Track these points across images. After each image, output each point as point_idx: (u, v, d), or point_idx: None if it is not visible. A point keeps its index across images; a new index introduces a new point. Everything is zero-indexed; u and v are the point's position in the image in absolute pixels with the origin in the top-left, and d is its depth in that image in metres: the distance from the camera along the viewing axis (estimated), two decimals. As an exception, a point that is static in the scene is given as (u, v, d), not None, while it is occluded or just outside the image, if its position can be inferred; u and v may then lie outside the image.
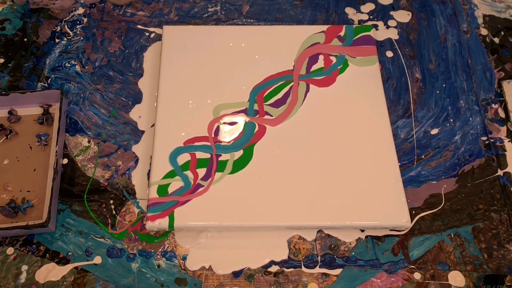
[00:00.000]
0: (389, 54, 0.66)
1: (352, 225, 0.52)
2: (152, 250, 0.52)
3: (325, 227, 0.53)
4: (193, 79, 0.59)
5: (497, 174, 0.57)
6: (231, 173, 0.53)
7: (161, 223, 0.50)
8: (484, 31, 0.68)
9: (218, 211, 0.51)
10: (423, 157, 0.58)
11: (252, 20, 0.68)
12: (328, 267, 0.52)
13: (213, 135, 0.56)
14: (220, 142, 0.55)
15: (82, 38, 0.66)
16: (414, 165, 0.58)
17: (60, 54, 0.65)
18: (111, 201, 0.55)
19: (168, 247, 0.52)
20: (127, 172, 0.57)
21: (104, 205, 0.55)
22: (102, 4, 0.69)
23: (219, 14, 0.68)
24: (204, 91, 0.58)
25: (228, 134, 0.56)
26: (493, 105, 0.62)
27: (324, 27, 0.64)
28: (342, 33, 0.63)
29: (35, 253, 0.52)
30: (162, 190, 0.52)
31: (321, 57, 0.62)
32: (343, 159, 0.54)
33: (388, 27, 0.68)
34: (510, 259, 0.52)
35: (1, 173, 0.55)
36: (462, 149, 0.59)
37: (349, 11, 0.69)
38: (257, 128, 0.56)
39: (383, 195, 0.52)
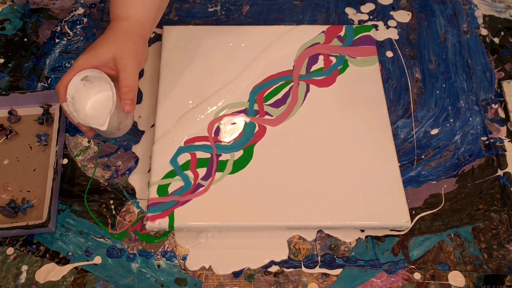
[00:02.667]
0: (389, 54, 0.65)
1: (352, 225, 0.52)
2: (152, 250, 0.52)
3: (325, 227, 0.53)
4: (193, 79, 0.59)
5: (497, 174, 0.57)
6: (231, 173, 0.53)
7: (161, 223, 0.50)
8: (484, 31, 0.68)
9: (218, 211, 0.51)
10: (423, 157, 0.58)
11: (252, 20, 0.68)
12: (328, 267, 0.52)
13: (213, 135, 0.56)
14: (220, 142, 0.55)
15: (82, 38, 0.66)
16: (414, 165, 0.58)
17: (60, 54, 0.65)
18: (111, 201, 0.55)
19: (168, 247, 0.52)
20: (127, 172, 0.56)
21: (104, 205, 0.54)
22: (102, 4, 0.69)
23: (219, 14, 0.68)
24: (204, 91, 0.58)
25: (228, 134, 0.56)
26: (493, 105, 0.62)
27: (324, 27, 0.64)
28: (342, 33, 0.63)
29: (35, 253, 0.52)
30: (162, 190, 0.52)
31: (321, 57, 0.62)
32: (343, 159, 0.54)
33: (388, 27, 0.68)
34: (510, 259, 0.52)
35: (1, 173, 0.55)
36: (462, 149, 0.59)
37: (349, 11, 0.69)
38: (257, 128, 0.56)
39: (383, 195, 0.52)
